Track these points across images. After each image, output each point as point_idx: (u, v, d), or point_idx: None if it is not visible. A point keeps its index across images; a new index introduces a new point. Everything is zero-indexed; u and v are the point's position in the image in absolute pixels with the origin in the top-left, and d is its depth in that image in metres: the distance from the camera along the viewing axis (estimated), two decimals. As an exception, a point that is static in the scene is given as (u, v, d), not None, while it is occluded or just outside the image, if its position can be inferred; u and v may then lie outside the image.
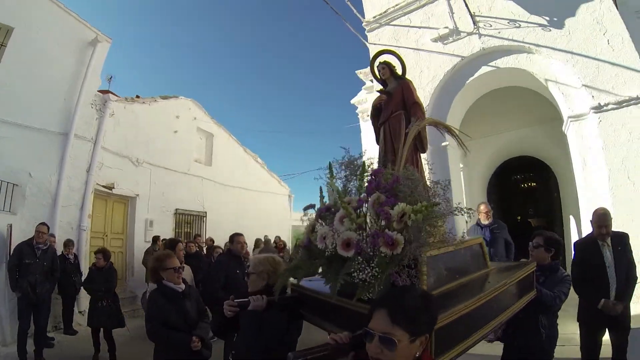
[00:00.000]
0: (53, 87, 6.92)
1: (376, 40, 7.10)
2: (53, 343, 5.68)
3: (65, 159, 6.84)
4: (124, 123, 8.51)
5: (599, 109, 4.81)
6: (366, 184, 1.95)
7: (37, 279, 5.15)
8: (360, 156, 2.19)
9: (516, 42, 5.56)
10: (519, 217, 12.04)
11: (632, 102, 4.63)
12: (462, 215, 1.87)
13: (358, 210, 1.84)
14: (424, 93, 5.99)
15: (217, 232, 10.82)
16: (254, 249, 8.90)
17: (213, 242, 9.48)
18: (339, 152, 2.14)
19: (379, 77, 2.90)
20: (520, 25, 5.52)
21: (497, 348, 2.79)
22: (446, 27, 6.18)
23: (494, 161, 9.44)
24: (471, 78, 6.06)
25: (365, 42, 7.36)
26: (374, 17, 7.15)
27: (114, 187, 8.13)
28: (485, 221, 4.96)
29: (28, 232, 5.62)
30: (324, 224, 2.01)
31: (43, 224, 5.49)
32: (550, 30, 5.29)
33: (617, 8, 5.00)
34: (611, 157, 4.67)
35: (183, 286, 2.89)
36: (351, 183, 2.13)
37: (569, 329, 3.58)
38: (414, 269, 1.58)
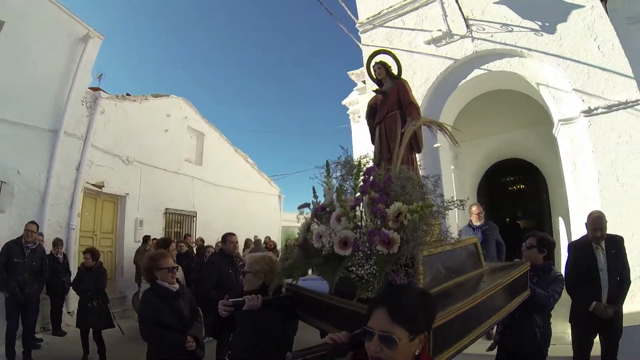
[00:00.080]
0: (43, 83, 6.80)
1: (369, 41, 7.13)
2: (40, 344, 5.57)
3: (55, 157, 6.73)
4: (114, 121, 8.40)
5: (589, 112, 4.89)
6: (361, 183, 1.95)
7: (25, 278, 5.05)
8: (360, 158, 2.19)
9: (508, 46, 5.63)
10: (507, 219, 12.17)
11: (621, 106, 4.73)
12: (457, 208, 1.89)
13: (354, 209, 1.85)
14: (417, 95, 5.96)
15: (207, 232, 10.78)
16: (244, 249, 8.86)
17: (203, 242, 9.43)
18: (330, 152, 2.15)
19: (374, 76, 2.91)
20: (512, 29, 5.60)
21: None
22: (439, 30, 6.23)
23: (485, 163, 9.55)
24: (464, 80, 6.12)
25: (359, 44, 7.38)
26: (367, 19, 7.18)
27: (103, 186, 8.02)
28: (477, 222, 5.01)
29: (16, 231, 5.51)
30: (319, 223, 2.01)
31: (32, 222, 5.39)
32: (542, 35, 5.37)
33: (607, 14, 5.09)
34: (600, 160, 4.75)
35: (177, 286, 2.86)
36: (347, 182, 2.13)
37: (558, 328, 3.63)
38: (412, 268, 1.59)
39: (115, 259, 8.61)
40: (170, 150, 10.50)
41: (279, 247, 11.75)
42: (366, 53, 7.09)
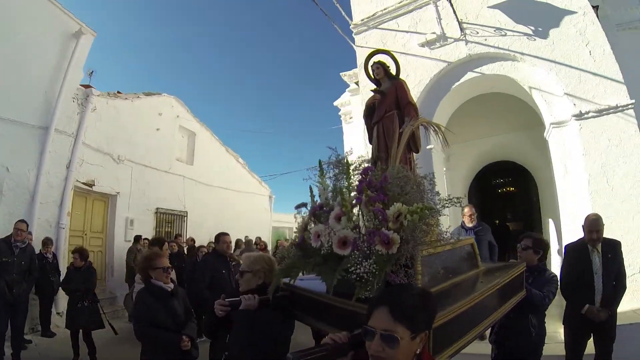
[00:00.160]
0: (34, 79, 6.67)
1: (363, 43, 7.16)
2: (27, 345, 5.46)
3: (45, 154, 6.61)
4: (105, 119, 8.28)
5: (580, 116, 4.99)
6: (357, 183, 1.96)
7: (14, 278, 4.94)
8: (346, 155, 2.20)
9: (502, 50, 5.71)
10: (497, 221, 12.33)
11: (611, 110, 4.83)
12: (455, 206, 1.90)
13: (354, 209, 1.85)
14: (410, 97, 6.07)
15: (198, 232, 10.73)
16: (234, 250, 8.82)
17: (194, 242, 9.36)
18: (321, 154, 2.16)
19: (372, 76, 2.92)
20: (506, 33, 5.68)
21: (486, 348, 2.83)
22: (433, 33, 6.28)
23: (476, 165, 9.66)
24: (457, 83, 6.18)
25: (353, 45, 7.41)
26: (362, 20, 7.21)
27: (94, 185, 7.91)
28: (469, 224, 5.04)
29: (4, 229, 5.40)
30: (316, 222, 2.01)
31: (22, 220, 5.27)
32: (535, 39, 5.46)
33: (599, 21, 5.19)
34: (591, 163, 4.85)
35: (172, 285, 2.84)
36: (340, 182, 2.13)
37: (550, 328, 3.66)
38: (411, 269, 1.60)
39: (106, 259, 8.48)
40: (161, 149, 10.40)
41: (269, 247, 11.73)
42: (360, 54, 7.12)
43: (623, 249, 3.40)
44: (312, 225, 2.01)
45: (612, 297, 3.23)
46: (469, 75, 6.06)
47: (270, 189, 16.74)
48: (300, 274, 2.02)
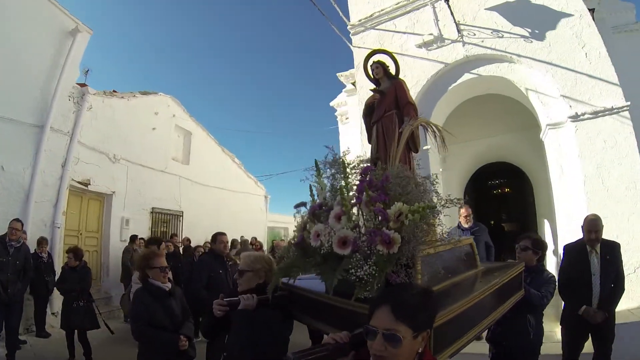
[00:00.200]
0: (29, 77, 6.61)
1: (360, 43, 7.17)
2: (21, 346, 5.40)
3: (40, 153, 6.54)
4: (101, 117, 8.23)
5: (575, 118, 5.03)
6: (357, 182, 1.96)
7: (9, 278, 4.88)
8: (343, 154, 2.20)
9: (499, 52, 5.74)
10: (492, 222, 12.39)
11: (606, 112, 4.88)
12: (455, 205, 1.91)
13: (354, 209, 1.85)
14: (408, 97, 6.09)
15: (194, 232, 10.67)
16: (230, 250, 8.79)
17: (190, 242, 9.32)
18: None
19: (372, 76, 2.92)
20: (503, 35, 5.71)
21: (485, 347, 2.84)
22: (431, 34, 6.30)
23: (472, 166, 9.69)
24: (454, 84, 6.21)
25: (350, 45, 7.42)
26: (359, 21, 7.22)
27: (89, 184, 7.85)
28: (465, 224, 5.05)
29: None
30: (315, 221, 2.01)
31: (17, 219, 5.22)
32: (531, 41, 5.50)
33: (595, 24, 5.24)
34: (587, 164, 4.89)
35: (170, 285, 2.84)
36: (339, 181, 2.13)
37: (546, 327, 3.69)
38: (412, 269, 1.60)
39: (101, 259, 8.41)
40: (157, 149, 10.34)
41: (265, 247, 11.71)
42: (357, 55, 7.14)
43: (617, 249, 3.41)
44: (312, 224, 2.00)
45: (609, 299, 3.23)
46: (466, 76, 6.09)
47: (266, 189, 16.75)
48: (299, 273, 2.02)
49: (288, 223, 18.44)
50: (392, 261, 1.54)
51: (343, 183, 2.06)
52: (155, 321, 2.65)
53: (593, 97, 4.99)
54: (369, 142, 2.77)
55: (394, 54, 3.01)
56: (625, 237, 4.39)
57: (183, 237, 10.12)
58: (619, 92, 4.86)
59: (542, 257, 2.88)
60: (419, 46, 6.45)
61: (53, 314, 6.33)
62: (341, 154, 2.16)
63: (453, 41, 6.15)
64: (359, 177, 2.01)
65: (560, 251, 5.03)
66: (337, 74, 10.17)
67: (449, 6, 5.87)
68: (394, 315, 1.08)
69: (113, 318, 6.86)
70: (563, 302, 3.46)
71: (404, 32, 6.70)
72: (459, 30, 6.05)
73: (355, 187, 1.94)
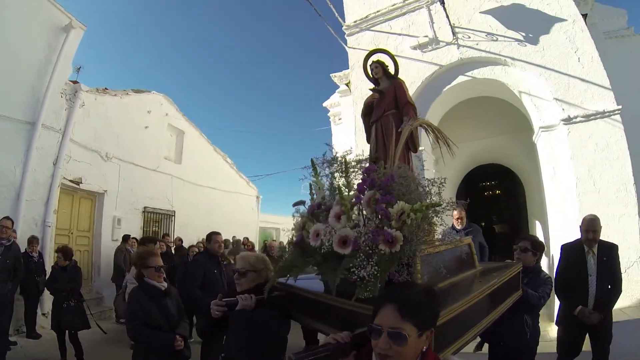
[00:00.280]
0: (21, 73, 6.50)
1: (355, 44, 7.20)
2: (11, 347, 5.30)
3: (32, 150, 6.44)
4: (94, 115, 8.12)
5: (568, 121, 5.11)
6: (358, 181, 1.96)
7: (-2, 277, 4.82)
8: (345, 154, 2.20)
9: (493, 55, 5.82)
10: (483, 224, 12.48)
11: (598, 116, 4.98)
12: (459, 208, 1.93)
13: (354, 208, 1.85)
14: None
15: (186, 232, 10.60)
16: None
17: (182, 241, 9.25)
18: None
19: (371, 75, 2.93)
20: (497, 38, 5.78)
21: (485, 347, 2.85)
22: (426, 36, 6.35)
23: (465, 168, 9.77)
24: (448, 86, 6.27)
25: (345, 46, 7.44)
26: (354, 22, 7.25)
27: (81, 182, 7.74)
28: (458, 226, 5.07)
29: (-11, 227, 5.24)
30: (315, 221, 2.00)
31: (7, 218, 5.13)
32: (525, 45, 5.58)
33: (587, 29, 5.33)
34: (579, 167, 4.99)
35: (165, 285, 2.81)
36: (337, 180, 2.13)
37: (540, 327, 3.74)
38: (412, 268, 1.61)
39: (92, 259, 8.30)
40: (149, 148, 10.25)
41: (256, 248, 11.67)
42: (352, 56, 7.17)
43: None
44: (310, 223, 2.00)
45: (605, 300, 3.24)
46: (460, 78, 6.15)
47: (257, 189, 16.72)
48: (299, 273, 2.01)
49: (279, 223, 18.46)
50: (394, 260, 1.55)
51: (342, 182, 2.07)
52: (151, 321, 2.63)
53: (585, 101, 5.08)
54: (368, 141, 2.78)
55: (392, 54, 3.01)
56: (617, 238, 4.42)
57: (175, 237, 10.03)
58: (611, 96, 4.96)
59: (539, 258, 2.90)
60: (414, 48, 6.50)
61: (44, 314, 6.22)
62: (342, 154, 2.16)
63: (448, 43, 6.21)
64: (359, 176, 2.01)
65: (552, 252, 5.10)
66: (331, 75, 10.17)
67: (445, 9, 5.91)
68: (399, 313, 1.08)
69: (105, 319, 6.78)
70: (558, 302, 3.49)
71: (399, 34, 6.74)
72: (454, 33, 6.10)
73: (355, 186, 1.95)
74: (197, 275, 4.31)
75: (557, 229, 5.19)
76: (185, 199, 11.58)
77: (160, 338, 2.62)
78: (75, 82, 7.81)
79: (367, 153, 2.69)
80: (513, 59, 5.63)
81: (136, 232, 9.10)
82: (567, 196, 5.09)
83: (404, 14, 6.73)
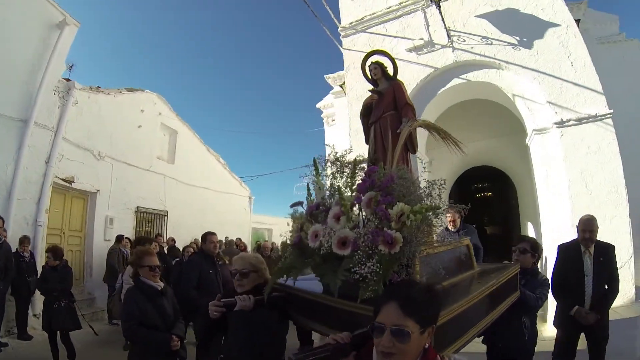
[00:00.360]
0: (14, 70, 6.40)
1: (351, 46, 7.21)
2: (2, 349, 5.20)
3: (24, 148, 6.34)
4: (87, 113, 8.04)
5: (561, 124, 5.19)
6: (358, 182, 1.96)
7: (-12, 277, 4.74)
8: (344, 153, 2.21)
9: (487, 58, 5.86)
10: (474, 225, 12.53)
11: (590, 119, 5.06)
12: (460, 211, 1.94)
13: (353, 209, 1.86)
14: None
15: (178, 232, 10.54)
16: (214, 250, 8.68)
17: (174, 242, 9.19)
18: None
19: (370, 76, 2.94)
20: (492, 42, 5.84)
21: (484, 346, 2.86)
22: (421, 39, 6.39)
23: (457, 170, 9.82)
24: (443, 89, 6.31)
25: (340, 48, 7.45)
26: (350, 23, 7.26)
27: (73, 181, 7.65)
28: (452, 229, 5.10)
29: (-21, 226, 5.16)
30: (313, 222, 2.00)
31: (-2, 216, 5.08)
32: (520, 49, 5.64)
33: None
34: (571, 169, 5.06)
35: (162, 284, 2.80)
36: (336, 180, 2.14)
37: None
38: (411, 268, 1.62)
39: (84, 259, 8.19)
40: (142, 147, 10.18)
41: (249, 248, 11.63)
42: (347, 57, 7.18)
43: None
44: (309, 224, 2.00)
45: (602, 301, 3.25)
46: (455, 81, 6.20)
47: (250, 190, 16.68)
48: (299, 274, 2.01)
49: (272, 224, 18.46)
50: (395, 261, 1.56)
51: (342, 182, 2.07)
52: (147, 320, 2.61)
53: (578, 105, 5.15)
54: (366, 142, 2.79)
55: (391, 55, 3.03)
56: (608, 239, 4.45)
57: (168, 237, 9.97)
58: (603, 100, 5.04)
59: (537, 260, 2.93)
60: (409, 50, 6.53)
61: (35, 315, 6.12)
62: (341, 154, 2.16)
63: (443, 46, 6.25)
64: (359, 177, 2.02)
65: (545, 253, 5.16)
66: (325, 76, 10.19)
67: (440, 12, 5.96)
68: (402, 310, 1.09)
69: (97, 319, 6.70)
70: (553, 303, 3.51)
71: (395, 36, 6.77)
72: (449, 36, 6.14)
73: (355, 187, 1.95)
74: (192, 276, 4.28)
75: (550, 231, 5.26)
76: (178, 199, 11.52)
77: (156, 338, 2.60)
78: (67, 79, 7.72)
79: (362, 154, 2.70)
80: (507, 62, 5.69)
81: (128, 232, 9.02)
82: (560, 198, 5.15)
83: (400, 16, 6.75)
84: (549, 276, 3.41)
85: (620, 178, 4.84)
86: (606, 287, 3.31)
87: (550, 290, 2.91)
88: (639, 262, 4.80)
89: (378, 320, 1.12)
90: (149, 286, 2.72)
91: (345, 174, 2.12)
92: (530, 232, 7.49)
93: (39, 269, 5.80)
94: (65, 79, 7.63)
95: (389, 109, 2.63)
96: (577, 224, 3.55)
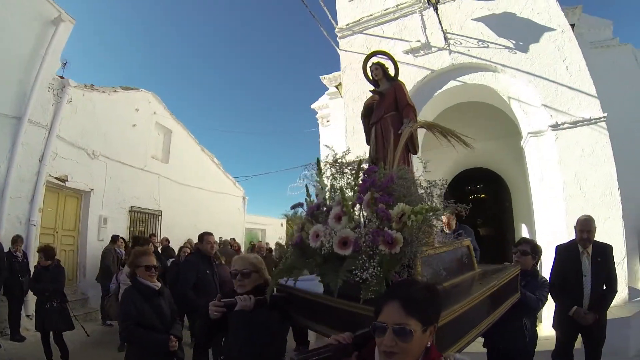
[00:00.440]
0: (8, 66, 6.31)
1: (348, 47, 7.24)
2: (-5, 350, 5.14)
3: (17, 146, 6.25)
4: (81, 112, 7.94)
5: (556, 127, 5.26)
6: (354, 182, 1.97)
7: (-20, 277, 4.66)
8: (344, 153, 2.21)
9: (484, 61, 5.93)
10: (467, 227, 12.57)
11: (584, 122, 5.14)
12: (460, 212, 1.95)
13: (354, 208, 1.86)
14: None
15: (172, 232, 10.45)
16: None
17: (168, 242, 9.13)
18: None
19: (371, 77, 2.95)
20: (488, 45, 5.90)
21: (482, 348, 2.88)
22: (418, 41, 6.43)
23: (453, 171, 9.88)
24: (439, 91, 6.36)
25: (337, 49, 7.47)
26: (347, 25, 7.28)
27: (67, 180, 7.55)
28: (447, 230, 5.10)
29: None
30: (314, 222, 2.01)
31: (-10, 215, 5.00)
32: (515, 53, 5.71)
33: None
34: (565, 171, 5.14)
35: (159, 284, 2.78)
36: (337, 181, 2.14)
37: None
38: (412, 269, 1.63)
39: (77, 259, 8.08)
40: (137, 146, 10.09)
41: (242, 248, 11.58)
42: (344, 58, 7.20)
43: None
44: (309, 225, 2.00)
45: (600, 301, 3.27)
46: (451, 83, 6.26)
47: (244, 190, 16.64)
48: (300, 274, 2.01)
49: (266, 224, 18.42)
50: (395, 262, 1.56)
51: (344, 183, 2.07)
52: (144, 321, 2.59)
53: (572, 108, 5.23)
54: (367, 143, 2.80)
55: (393, 56, 3.04)
56: (601, 240, 4.59)
57: (162, 237, 9.89)
58: (597, 103, 5.13)
59: (537, 262, 2.94)
60: (406, 52, 6.57)
61: (28, 316, 6.02)
62: (343, 154, 2.17)
63: (440, 49, 6.30)
64: (360, 178, 2.02)
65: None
66: (320, 77, 10.18)
67: (437, 14, 6.00)
68: (404, 309, 1.09)
69: (90, 320, 6.62)
70: (552, 304, 3.53)
71: (392, 38, 6.81)
72: (445, 39, 6.20)
73: (356, 188, 1.96)
74: (189, 276, 4.24)
75: (545, 232, 5.32)
76: (172, 198, 11.43)
77: (154, 339, 2.58)
78: (62, 77, 7.64)
79: (360, 155, 2.70)
80: (503, 65, 5.76)
81: (122, 232, 8.92)
82: (554, 199, 5.22)
83: (397, 18, 6.80)
84: (546, 276, 3.43)
85: (614, 180, 4.92)
86: (604, 287, 3.32)
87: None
88: (632, 263, 4.87)
89: (380, 319, 1.13)
90: (146, 286, 2.69)
91: (347, 174, 2.12)
92: (524, 234, 7.55)
93: (32, 269, 5.74)
94: (59, 76, 7.56)
95: (390, 110, 2.64)
96: (574, 224, 3.57)
